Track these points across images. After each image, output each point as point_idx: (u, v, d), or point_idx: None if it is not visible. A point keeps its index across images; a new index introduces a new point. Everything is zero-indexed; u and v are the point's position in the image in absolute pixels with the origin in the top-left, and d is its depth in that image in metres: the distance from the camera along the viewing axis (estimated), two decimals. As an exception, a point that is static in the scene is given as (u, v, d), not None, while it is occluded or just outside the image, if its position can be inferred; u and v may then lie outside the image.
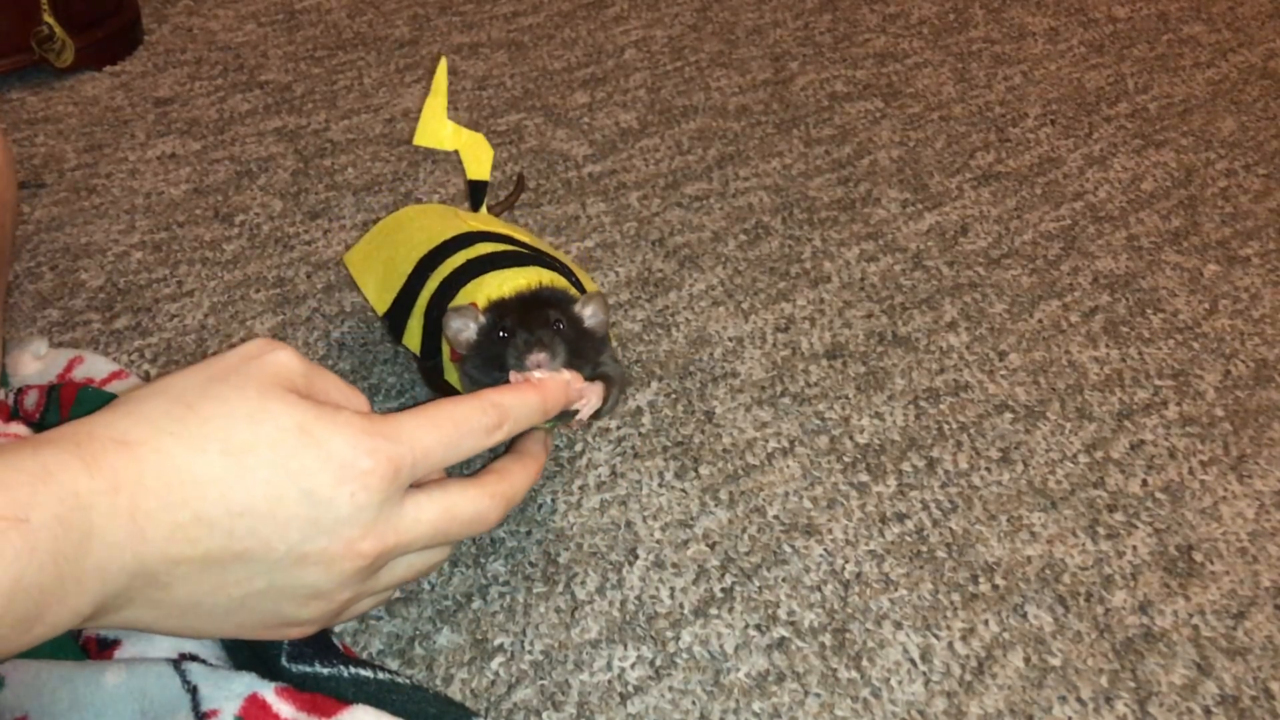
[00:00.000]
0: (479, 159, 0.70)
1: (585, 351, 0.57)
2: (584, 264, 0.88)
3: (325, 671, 0.51)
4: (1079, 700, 0.56)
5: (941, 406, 0.75)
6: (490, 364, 0.56)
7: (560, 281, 0.61)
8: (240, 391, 0.38)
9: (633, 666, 0.57)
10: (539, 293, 0.58)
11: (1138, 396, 0.77)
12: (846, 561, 0.64)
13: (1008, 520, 0.67)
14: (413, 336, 0.66)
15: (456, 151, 0.70)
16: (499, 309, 0.57)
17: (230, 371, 0.39)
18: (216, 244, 0.88)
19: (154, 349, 0.77)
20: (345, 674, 0.51)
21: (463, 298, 0.61)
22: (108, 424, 0.36)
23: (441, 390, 0.66)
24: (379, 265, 0.70)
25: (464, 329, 0.57)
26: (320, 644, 0.52)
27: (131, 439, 0.35)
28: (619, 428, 0.72)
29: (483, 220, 0.70)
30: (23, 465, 0.33)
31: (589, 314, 0.58)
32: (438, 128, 0.69)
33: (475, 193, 0.72)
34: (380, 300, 0.69)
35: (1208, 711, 0.56)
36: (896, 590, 0.62)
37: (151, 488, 0.35)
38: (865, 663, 0.58)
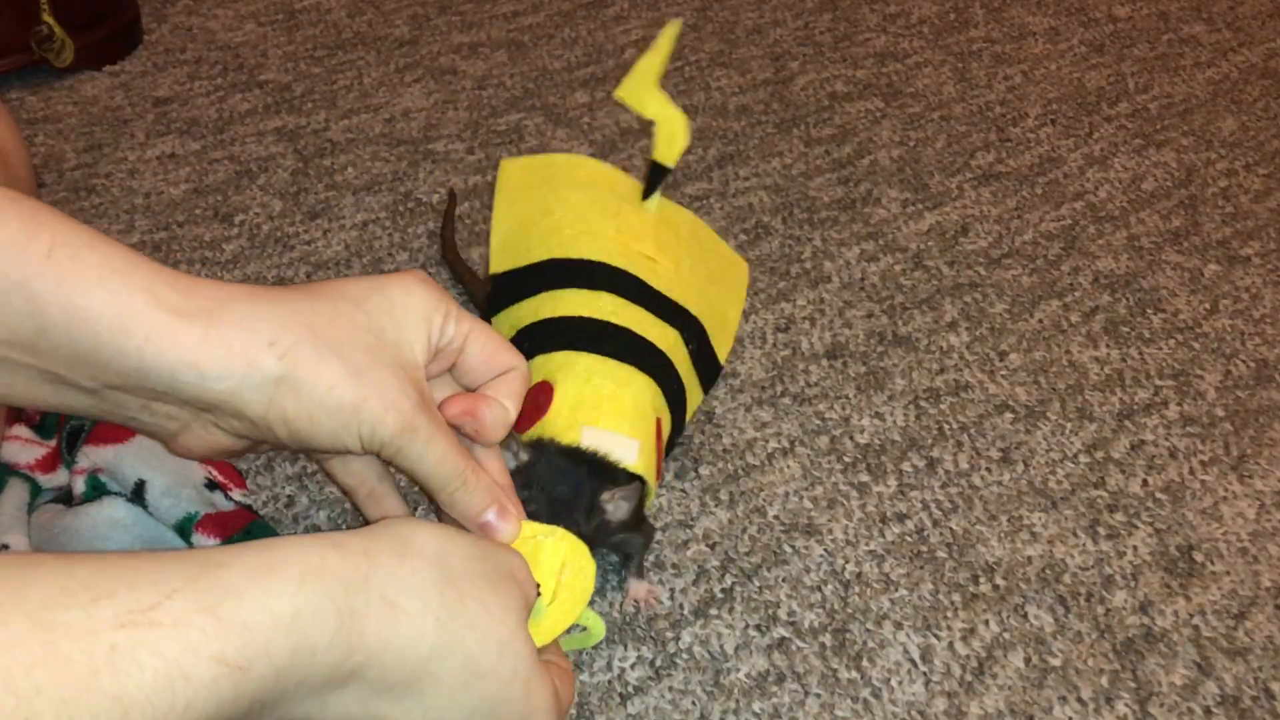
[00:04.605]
0: (671, 142, 0.66)
1: (595, 541, 0.55)
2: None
3: None
4: (1079, 700, 0.56)
5: (942, 406, 0.75)
6: None
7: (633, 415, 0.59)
8: (505, 611, 0.38)
9: (633, 666, 0.57)
10: (576, 480, 0.55)
11: (1138, 396, 0.77)
12: (847, 561, 0.64)
13: (1008, 520, 0.67)
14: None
15: (652, 127, 0.66)
16: (537, 454, 0.55)
17: (500, 578, 0.39)
18: (216, 244, 0.88)
19: (154, 349, 0.77)
20: None
21: (538, 363, 0.60)
22: (386, 576, 0.35)
23: None
24: (517, 214, 0.67)
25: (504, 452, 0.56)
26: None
27: (400, 606, 0.35)
28: (619, 428, 0.72)
29: (638, 229, 0.66)
30: (277, 606, 0.32)
31: (612, 508, 0.56)
32: (644, 88, 0.65)
33: (653, 176, 0.67)
34: (498, 257, 0.67)
35: (1208, 712, 0.56)
36: (897, 590, 0.62)
37: (387, 663, 0.35)
38: (865, 663, 0.58)
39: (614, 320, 0.62)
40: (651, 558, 0.63)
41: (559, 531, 0.49)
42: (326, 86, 1.11)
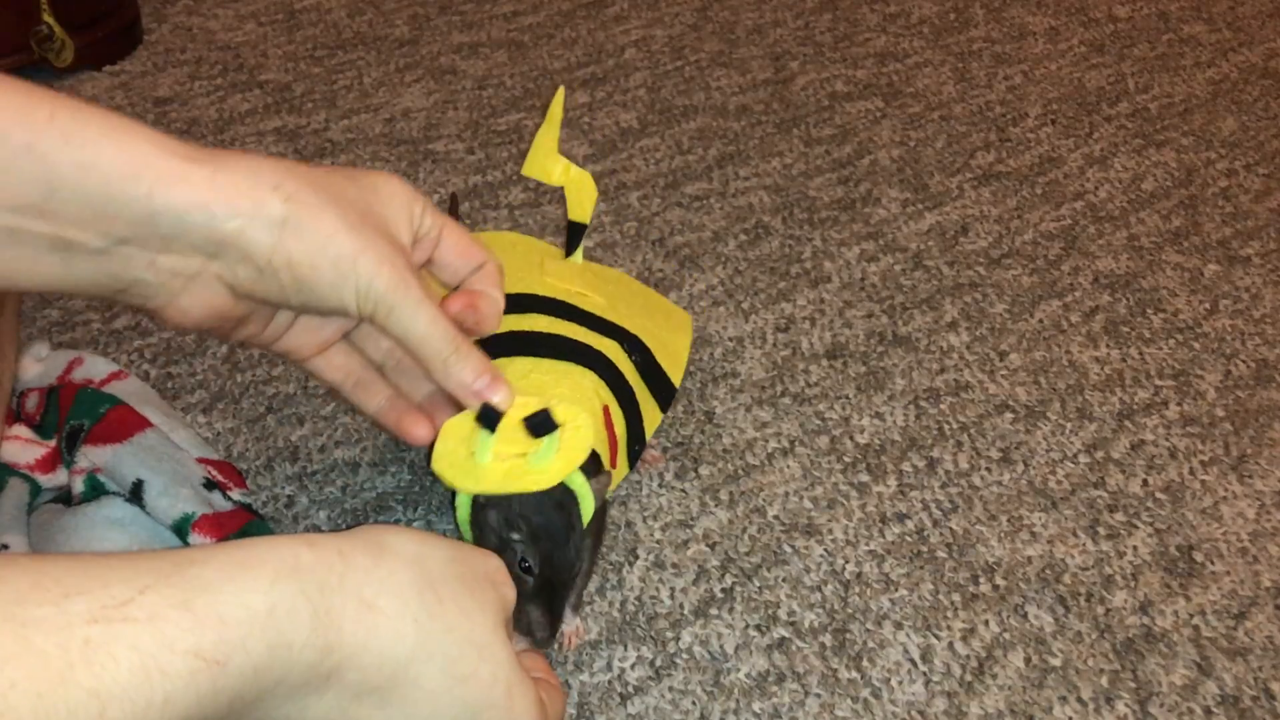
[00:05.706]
0: (582, 200, 0.68)
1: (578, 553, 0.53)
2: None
3: None
4: (1079, 700, 0.56)
5: (942, 406, 0.75)
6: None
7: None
8: (483, 615, 0.39)
9: (633, 667, 0.57)
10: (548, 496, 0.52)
11: (1138, 396, 0.77)
12: (847, 562, 0.64)
13: (1008, 520, 0.67)
14: None
15: (563, 187, 0.67)
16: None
17: (477, 582, 0.40)
18: (216, 244, 0.88)
19: (154, 349, 0.77)
20: None
21: None
22: (363, 576, 0.35)
23: None
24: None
25: None
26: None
27: (378, 606, 0.35)
28: (619, 428, 0.72)
29: (566, 273, 0.67)
30: (252, 602, 0.32)
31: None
32: (547, 160, 0.67)
33: (572, 235, 0.69)
34: None
35: (1208, 711, 0.56)
36: (897, 590, 0.62)
37: (366, 665, 0.35)
38: (865, 663, 0.58)
39: (548, 331, 0.62)
40: (651, 557, 0.63)
41: (555, 399, 0.51)
42: (326, 86, 1.11)
